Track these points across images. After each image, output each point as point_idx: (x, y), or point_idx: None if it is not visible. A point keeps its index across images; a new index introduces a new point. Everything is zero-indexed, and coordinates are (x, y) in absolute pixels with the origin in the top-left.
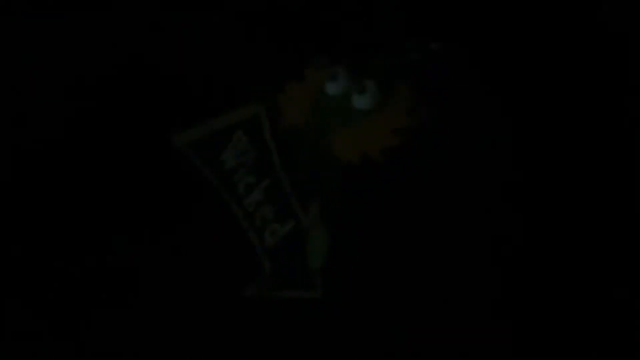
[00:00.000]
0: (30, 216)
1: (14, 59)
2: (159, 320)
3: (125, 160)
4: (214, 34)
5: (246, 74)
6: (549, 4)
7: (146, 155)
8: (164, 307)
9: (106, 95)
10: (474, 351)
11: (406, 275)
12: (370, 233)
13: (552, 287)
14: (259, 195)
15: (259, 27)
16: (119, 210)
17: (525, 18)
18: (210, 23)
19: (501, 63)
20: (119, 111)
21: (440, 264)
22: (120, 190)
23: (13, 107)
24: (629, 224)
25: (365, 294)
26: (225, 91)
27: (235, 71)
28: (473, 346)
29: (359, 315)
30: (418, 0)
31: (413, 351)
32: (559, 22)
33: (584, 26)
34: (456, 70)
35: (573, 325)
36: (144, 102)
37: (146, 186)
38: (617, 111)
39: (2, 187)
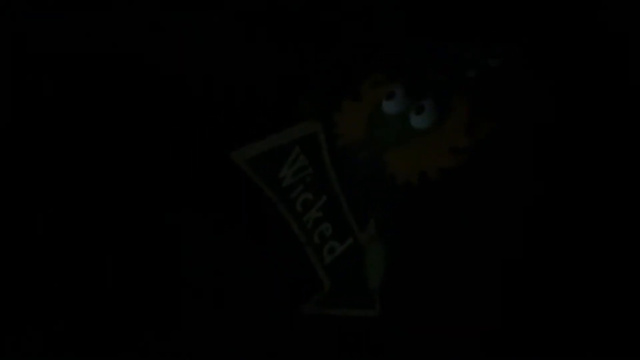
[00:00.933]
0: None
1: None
2: (214, 336)
3: (182, 175)
4: (271, 48)
5: (302, 90)
6: None
7: (204, 170)
8: (221, 323)
9: (168, 109)
10: None
11: (463, 295)
12: (427, 252)
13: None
14: (317, 212)
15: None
16: (176, 224)
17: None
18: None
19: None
20: (176, 125)
21: (499, 285)
22: (176, 204)
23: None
24: None
25: (422, 313)
26: (282, 107)
27: (290, 87)
28: None
29: (416, 335)
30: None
31: None
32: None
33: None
34: (516, 86)
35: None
36: (201, 116)
37: (202, 201)
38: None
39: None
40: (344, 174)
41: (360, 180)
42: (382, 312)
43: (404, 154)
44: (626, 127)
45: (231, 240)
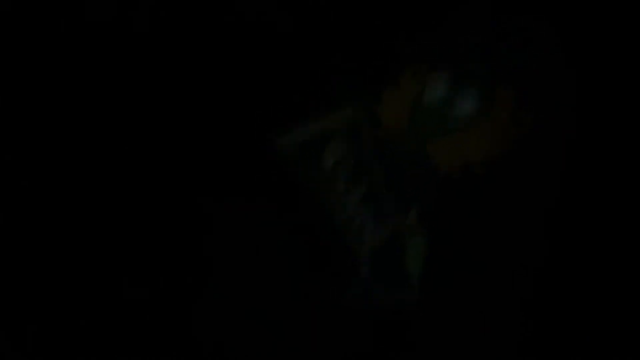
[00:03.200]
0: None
1: None
2: (255, 320)
3: (227, 161)
4: (319, 38)
5: (345, 79)
6: None
7: (247, 156)
8: (263, 307)
9: (214, 96)
10: None
11: (503, 285)
12: (467, 243)
13: None
14: (357, 199)
15: (359, 34)
16: (219, 210)
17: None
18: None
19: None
20: (220, 113)
21: (537, 276)
22: (219, 189)
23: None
24: None
25: (461, 301)
26: (325, 96)
27: (335, 76)
28: None
29: (454, 322)
30: None
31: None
32: None
33: None
34: (564, 74)
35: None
36: (247, 103)
37: (244, 186)
38: None
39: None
40: (385, 162)
41: (402, 170)
42: (422, 300)
43: (447, 144)
44: None
45: (270, 226)
